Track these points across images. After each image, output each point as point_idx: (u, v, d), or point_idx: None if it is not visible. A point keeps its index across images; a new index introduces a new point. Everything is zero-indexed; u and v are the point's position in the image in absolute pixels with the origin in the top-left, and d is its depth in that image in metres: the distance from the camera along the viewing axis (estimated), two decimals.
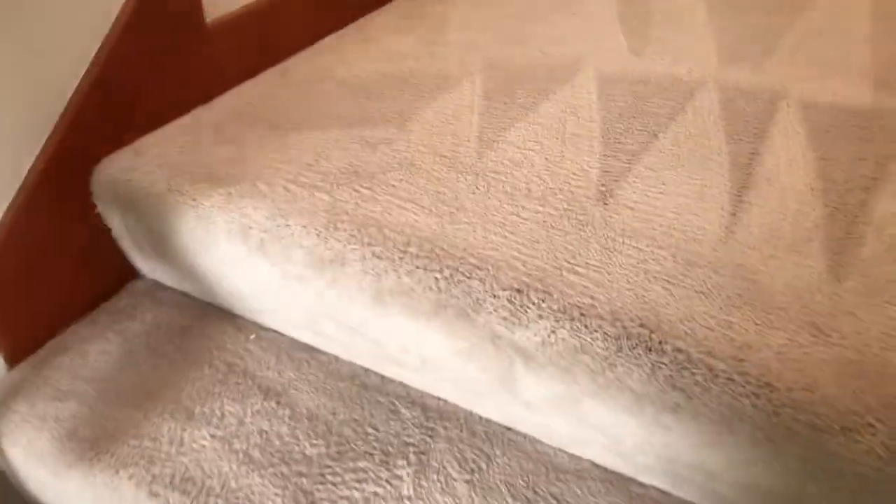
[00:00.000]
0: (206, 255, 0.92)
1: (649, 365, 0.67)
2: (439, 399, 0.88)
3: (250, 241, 0.86)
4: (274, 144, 0.96)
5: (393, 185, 0.89)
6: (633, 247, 0.78)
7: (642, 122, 0.98)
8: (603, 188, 0.87)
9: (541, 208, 0.84)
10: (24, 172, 0.91)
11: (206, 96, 1.08)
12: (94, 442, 0.86)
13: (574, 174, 0.89)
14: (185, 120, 1.04)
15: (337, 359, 0.94)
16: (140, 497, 0.81)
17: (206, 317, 1.01)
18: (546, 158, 0.92)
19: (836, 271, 0.74)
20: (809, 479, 0.64)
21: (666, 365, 0.67)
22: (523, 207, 0.84)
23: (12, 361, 0.96)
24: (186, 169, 0.92)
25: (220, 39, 1.11)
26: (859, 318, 0.69)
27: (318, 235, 0.82)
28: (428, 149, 0.95)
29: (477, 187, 0.88)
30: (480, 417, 0.86)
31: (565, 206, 0.84)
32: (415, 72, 1.14)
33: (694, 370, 0.66)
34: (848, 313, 0.69)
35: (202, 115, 1.05)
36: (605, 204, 0.85)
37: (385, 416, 0.87)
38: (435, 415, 0.87)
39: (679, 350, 0.67)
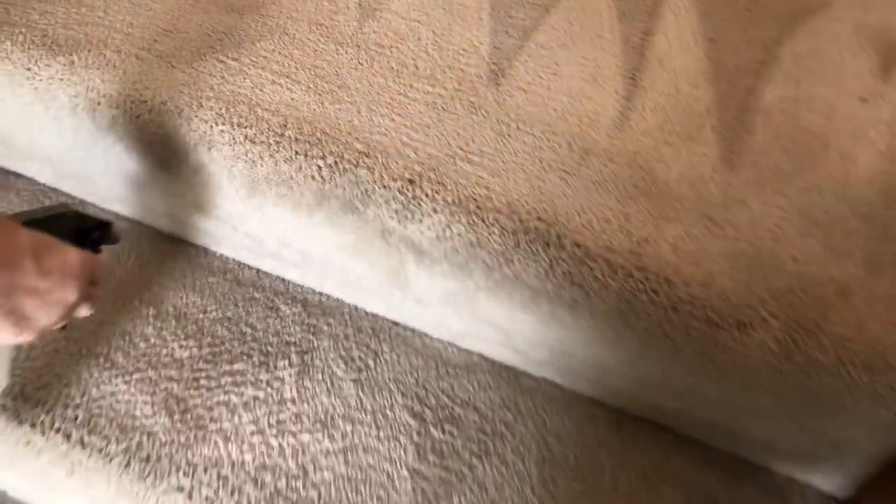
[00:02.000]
0: (49, 137, 0.80)
1: (547, 261, 0.64)
2: (322, 295, 0.83)
3: (99, 118, 0.75)
4: (122, 3, 0.83)
5: (264, 57, 0.79)
6: (529, 133, 0.74)
7: None
8: (494, 67, 0.81)
9: (430, 88, 0.78)
10: None
11: None
12: None
13: (464, 50, 0.83)
14: None
15: (205, 251, 0.87)
16: None
17: (49, 200, 0.89)
18: (433, 31, 0.85)
19: (728, 160, 0.73)
20: (703, 373, 0.64)
21: (565, 261, 0.64)
22: (411, 86, 0.77)
23: None
24: (18, 33, 0.78)
25: None
26: (752, 208, 0.68)
27: (177, 112, 0.73)
28: (302, 16, 0.85)
29: (359, 62, 0.80)
30: (366, 313, 0.82)
31: (456, 87, 0.78)
32: None
33: (592, 265, 0.64)
34: (741, 204, 0.69)
35: None
36: (498, 85, 0.79)
37: (263, 313, 0.81)
38: (318, 311, 0.82)
39: (578, 245, 0.64)
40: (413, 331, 0.80)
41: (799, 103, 0.80)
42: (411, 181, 0.68)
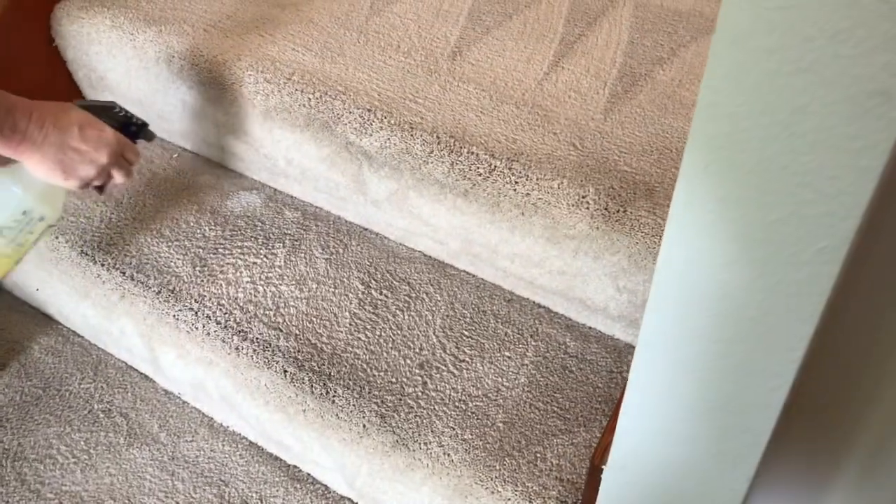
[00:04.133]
0: (140, 83, 1.15)
1: (450, 162, 0.92)
2: (316, 206, 1.13)
3: (172, 67, 1.09)
4: None
5: (292, 35, 1.11)
6: (464, 89, 1.02)
7: (503, 6, 1.21)
8: (456, 49, 1.10)
9: (403, 59, 1.08)
10: None
11: None
12: None
13: (437, 38, 1.13)
14: None
15: (241, 175, 1.18)
16: (73, 255, 1.05)
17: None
18: (419, 26, 1.15)
19: (608, 110, 0.99)
20: (549, 243, 0.89)
21: (461, 162, 0.91)
22: (390, 57, 1.08)
23: None
24: (129, 12, 1.14)
25: None
26: (610, 139, 0.94)
27: (223, 63, 1.06)
28: (326, 11, 1.17)
29: (358, 41, 1.11)
30: (344, 220, 1.11)
31: (423, 59, 1.08)
32: None
33: (479, 166, 0.91)
34: (604, 135, 0.94)
35: None
36: (454, 60, 1.08)
37: (272, 215, 1.11)
38: (311, 217, 1.11)
39: (471, 152, 0.92)
40: (376, 234, 1.09)
41: (682, 83, 1.05)
42: (369, 110, 0.98)
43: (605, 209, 0.85)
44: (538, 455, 0.82)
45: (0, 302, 1.22)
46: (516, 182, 0.89)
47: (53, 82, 1.24)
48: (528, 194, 0.88)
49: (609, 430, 0.74)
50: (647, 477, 0.65)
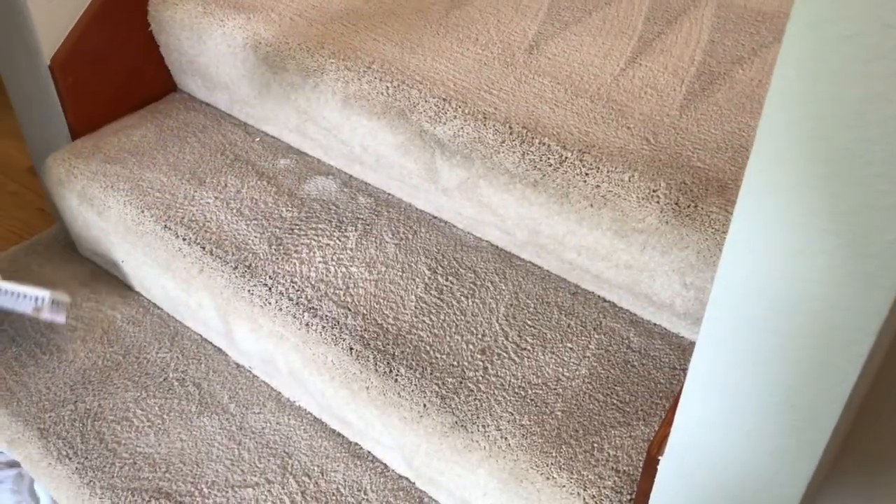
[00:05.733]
0: (227, 68, 1.20)
1: (521, 152, 0.93)
2: (389, 193, 1.16)
3: (259, 53, 1.13)
4: None
5: (374, 25, 1.14)
6: (539, 81, 1.03)
7: (583, 3, 1.22)
8: (533, 43, 1.11)
9: (481, 51, 1.09)
10: None
11: None
12: (129, 192, 1.15)
13: (516, 32, 1.14)
14: None
15: (318, 160, 1.22)
16: (157, 229, 1.10)
17: (225, 122, 1.29)
18: (498, 20, 1.17)
19: (685, 107, 0.98)
20: (617, 236, 0.89)
21: (532, 153, 0.92)
22: (468, 49, 1.10)
23: (76, 136, 1.25)
24: (219, 0, 1.19)
25: None
26: (685, 134, 0.93)
27: (307, 51, 1.09)
28: (409, 4, 1.20)
29: (437, 33, 1.13)
30: (415, 208, 1.13)
31: (500, 52, 1.09)
32: None
33: (550, 156, 0.91)
34: (679, 131, 0.94)
35: None
36: (531, 53, 1.09)
37: (347, 200, 1.14)
38: (383, 203, 1.14)
39: (542, 143, 0.92)
40: (445, 222, 1.10)
41: (762, 83, 1.03)
42: (444, 99, 1.00)
43: (676, 204, 0.85)
44: (595, 445, 0.82)
45: (86, 272, 1.28)
46: (586, 174, 0.89)
47: (145, 66, 1.30)
48: (597, 186, 0.88)
49: (668, 422, 0.74)
50: (703, 469, 0.65)
